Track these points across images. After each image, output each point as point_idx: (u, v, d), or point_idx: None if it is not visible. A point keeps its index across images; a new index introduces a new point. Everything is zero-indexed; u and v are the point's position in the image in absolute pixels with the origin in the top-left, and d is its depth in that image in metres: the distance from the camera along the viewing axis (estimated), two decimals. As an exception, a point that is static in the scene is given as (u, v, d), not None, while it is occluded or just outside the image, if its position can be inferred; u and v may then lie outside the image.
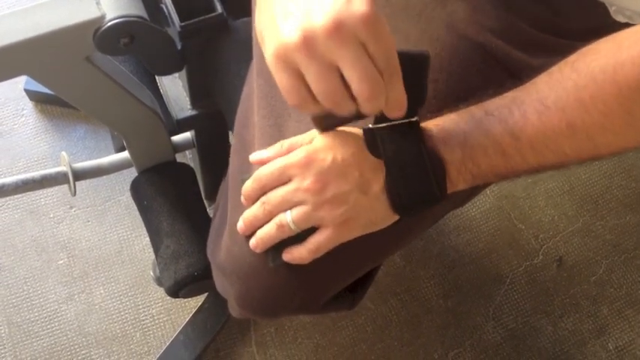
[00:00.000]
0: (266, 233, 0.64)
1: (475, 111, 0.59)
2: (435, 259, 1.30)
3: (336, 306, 0.81)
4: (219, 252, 0.76)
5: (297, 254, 0.63)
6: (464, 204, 0.78)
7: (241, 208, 0.73)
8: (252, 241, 0.65)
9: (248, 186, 0.65)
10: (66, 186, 1.02)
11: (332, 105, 0.52)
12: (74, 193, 1.01)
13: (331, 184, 0.60)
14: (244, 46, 0.85)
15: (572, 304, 1.28)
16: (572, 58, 0.55)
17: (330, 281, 0.73)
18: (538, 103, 0.55)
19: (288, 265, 0.68)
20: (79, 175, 1.02)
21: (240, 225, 0.66)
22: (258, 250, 0.65)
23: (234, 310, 0.79)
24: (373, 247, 0.70)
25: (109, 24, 0.73)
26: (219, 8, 0.85)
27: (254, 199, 0.65)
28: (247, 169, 0.69)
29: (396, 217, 0.62)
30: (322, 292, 0.74)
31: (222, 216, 0.79)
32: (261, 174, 0.63)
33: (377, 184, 0.60)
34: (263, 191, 0.64)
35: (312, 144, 0.62)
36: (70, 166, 1.00)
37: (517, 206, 1.36)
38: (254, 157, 0.65)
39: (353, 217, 0.60)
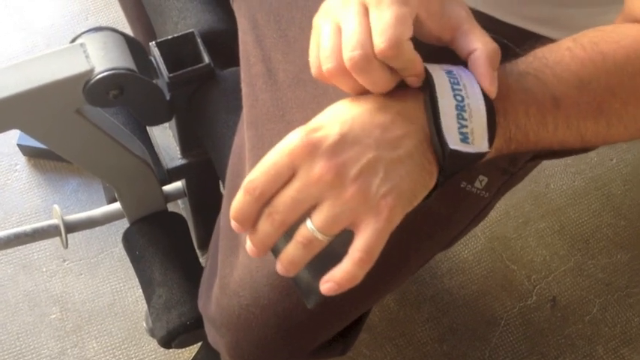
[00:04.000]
0: (291, 256, 0.48)
1: (509, 67, 0.51)
2: (429, 302, 1.30)
3: (329, 352, 0.81)
4: (210, 304, 0.76)
5: (343, 275, 0.46)
6: (450, 246, 0.78)
7: (232, 259, 0.72)
8: (279, 267, 0.49)
9: (238, 203, 0.48)
10: (59, 240, 1.03)
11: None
12: (66, 246, 1.01)
13: (348, 157, 0.46)
14: (232, 95, 0.87)
15: (567, 345, 1.28)
16: (590, 38, 0.52)
17: (320, 329, 0.72)
18: (571, 75, 0.50)
19: (277, 315, 0.67)
20: (71, 227, 1.02)
21: (251, 247, 0.49)
22: (291, 275, 0.49)
23: None
24: (360, 292, 0.68)
25: (98, 77, 0.75)
26: (206, 59, 0.87)
27: (250, 220, 0.48)
28: None
29: (432, 183, 0.48)
30: (312, 341, 0.73)
31: (212, 267, 0.78)
32: (251, 180, 0.47)
33: (409, 138, 0.47)
34: (261, 202, 0.48)
35: (310, 122, 0.48)
36: (62, 219, 1.01)
37: (509, 247, 1.36)
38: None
39: (393, 189, 0.46)
